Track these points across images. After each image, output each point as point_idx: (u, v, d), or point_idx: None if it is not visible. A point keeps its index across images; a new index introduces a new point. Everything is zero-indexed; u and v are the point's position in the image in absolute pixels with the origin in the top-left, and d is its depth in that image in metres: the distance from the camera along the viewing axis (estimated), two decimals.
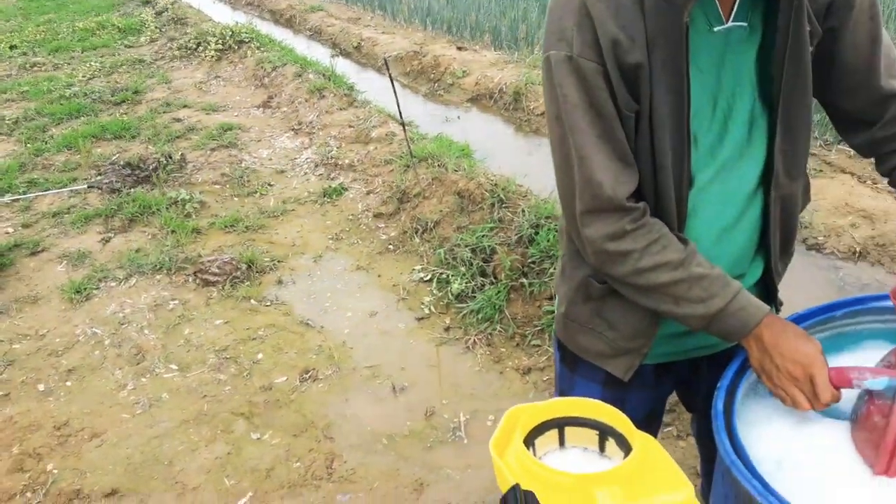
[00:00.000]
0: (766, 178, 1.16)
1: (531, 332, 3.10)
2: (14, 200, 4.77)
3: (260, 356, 3.16)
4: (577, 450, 1.01)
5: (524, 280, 3.26)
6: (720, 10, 1.05)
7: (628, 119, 1.06)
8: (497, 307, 3.24)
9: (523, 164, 4.53)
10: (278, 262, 3.93)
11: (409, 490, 2.39)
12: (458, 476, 2.43)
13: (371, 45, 7.91)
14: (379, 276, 3.77)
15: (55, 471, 2.58)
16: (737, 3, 1.05)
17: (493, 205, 3.73)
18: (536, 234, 3.37)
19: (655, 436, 1.48)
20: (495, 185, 3.87)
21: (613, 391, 1.31)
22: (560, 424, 1.00)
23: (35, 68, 8.16)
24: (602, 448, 1.00)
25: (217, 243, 4.14)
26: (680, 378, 1.40)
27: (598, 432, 0.99)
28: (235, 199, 4.73)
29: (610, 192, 1.06)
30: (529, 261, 3.31)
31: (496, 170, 4.30)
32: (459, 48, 7.27)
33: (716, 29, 1.06)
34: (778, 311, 1.38)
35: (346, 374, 3.03)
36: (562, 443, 1.01)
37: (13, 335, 3.41)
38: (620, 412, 0.94)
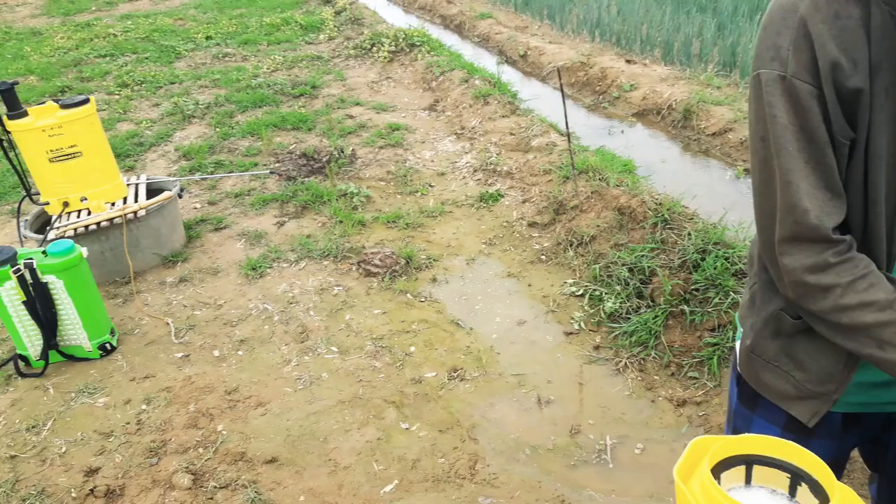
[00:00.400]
0: None
1: (689, 362, 2.99)
2: (203, 179, 5.25)
3: (412, 349, 3.27)
4: (765, 490, 0.98)
5: (685, 307, 3.14)
6: None
7: (842, 147, 1.01)
8: (653, 332, 3.16)
9: (691, 185, 4.37)
10: (434, 260, 4.05)
11: None
12: (601, 499, 2.40)
13: (537, 54, 7.93)
14: (529, 285, 3.78)
15: (224, 432, 2.82)
16: None
17: (655, 224, 3.64)
18: (703, 259, 3.25)
19: None
20: (660, 203, 3.76)
21: (794, 436, 1.24)
22: (749, 461, 0.98)
23: (226, 58, 8.91)
24: (792, 493, 0.96)
25: (379, 237, 4.33)
26: (870, 432, 1.31)
27: (789, 476, 0.96)
28: (398, 196, 4.92)
29: (815, 221, 1.01)
30: (692, 287, 3.20)
31: (660, 188, 4.18)
32: (628, 61, 7.12)
33: None
34: None
35: (492, 378, 3.07)
36: (748, 481, 0.99)
37: (195, 302, 3.76)
38: (819, 459, 0.90)
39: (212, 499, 2.48)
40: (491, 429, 2.77)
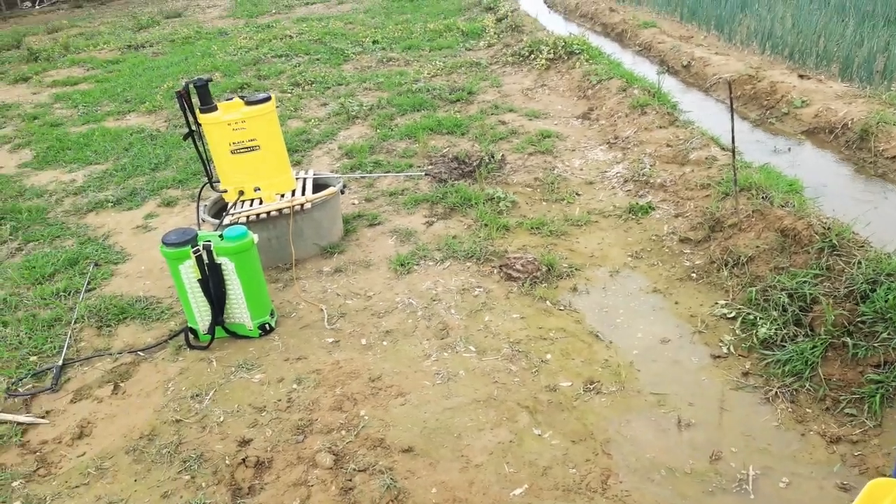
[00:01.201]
0: None
1: (847, 398, 2.77)
2: (362, 177, 5.54)
3: (549, 356, 3.28)
4: None
5: (848, 339, 2.92)
6: None
7: None
8: (809, 363, 2.96)
9: (864, 210, 4.03)
10: (576, 269, 4.02)
11: None
12: None
13: (702, 64, 7.63)
14: (676, 302, 3.66)
15: (366, 417, 2.97)
16: None
17: (821, 249, 3.40)
18: (873, 290, 2.99)
19: None
20: (828, 228, 3.50)
21: None
22: None
23: (390, 63, 9.33)
24: None
25: (522, 242, 4.37)
26: None
27: None
28: (544, 203, 4.93)
29: None
30: (858, 319, 2.96)
31: (829, 212, 3.89)
32: (801, 76, 6.68)
33: None
34: None
35: (630, 394, 3.01)
36: None
37: (348, 292, 3.98)
38: None
39: (350, 480, 2.63)
40: (626, 445, 2.72)
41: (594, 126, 6.47)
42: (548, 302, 3.74)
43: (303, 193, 4.36)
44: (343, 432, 2.89)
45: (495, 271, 4.07)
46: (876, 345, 2.86)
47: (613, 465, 2.62)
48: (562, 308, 3.70)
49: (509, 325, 3.56)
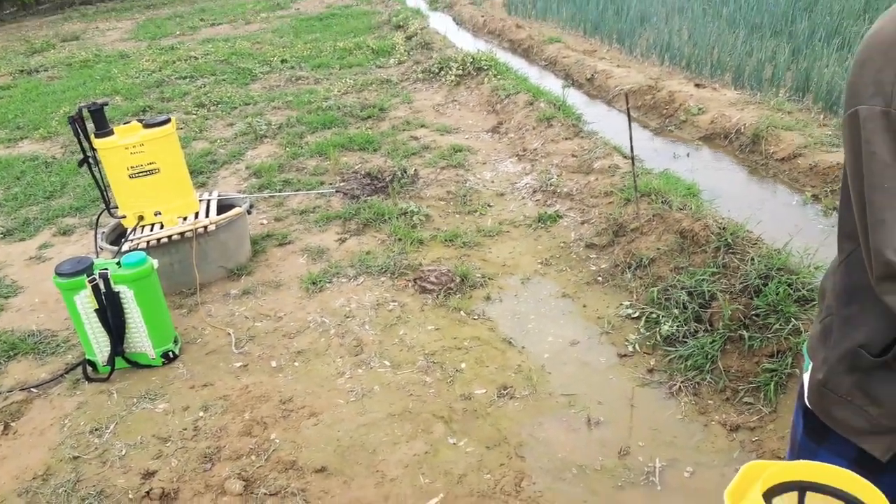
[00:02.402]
0: None
1: (745, 388, 2.90)
2: (271, 196, 5.44)
3: (463, 365, 3.29)
4: None
5: (744, 332, 3.06)
6: None
7: None
8: (709, 356, 3.08)
9: (756, 209, 4.26)
10: (489, 279, 4.07)
11: None
12: None
13: (604, 77, 7.90)
14: (584, 306, 3.75)
15: (277, 440, 2.90)
16: None
17: (718, 249, 3.56)
18: (765, 285, 3.15)
19: None
20: (723, 228, 3.68)
21: (863, 472, 1.21)
22: (802, 488, 0.96)
23: (299, 81, 9.25)
24: None
25: (436, 255, 4.38)
26: None
27: None
28: (457, 215, 4.98)
29: None
30: (753, 312, 3.11)
31: (725, 213, 4.09)
32: (697, 85, 7.02)
33: None
34: None
35: (542, 397, 3.05)
36: None
37: (257, 314, 3.89)
38: (877, 490, 0.88)
39: None
40: (538, 447, 2.76)
41: (504, 139, 6.59)
42: (462, 312, 3.77)
43: (206, 215, 4.24)
44: (253, 457, 2.80)
45: (410, 285, 4.07)
46: (769, 336, 3.00)
47: (526, 467, 2.64)
48: (476, 317, 3.72)
49: (424, 337, 3.55)
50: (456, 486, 2.57)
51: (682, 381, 3.04)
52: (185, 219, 4.18)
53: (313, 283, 4.11)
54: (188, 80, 9.76)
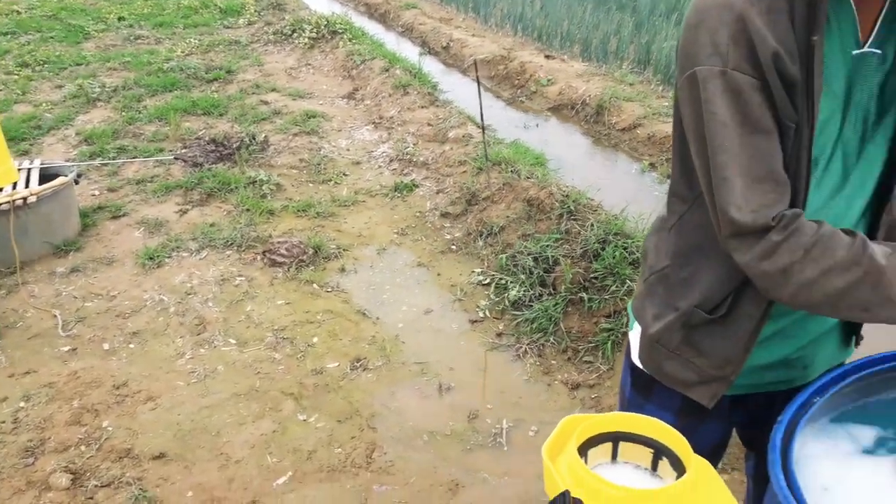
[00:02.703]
0: (875, 206, 1.13)
1: (584, 347, 3.04)
2: (104, 164, 5.02)
3: (315, 340, 3.22)
4: (629, 466, 0.99)
5: (584, 294, 3.20)
6: (859, 34, 1.02)
7: (788, 130, 1.00)
8: (553, 319, 3.20)
9: (597, 177, 4.46)
10: (343, 250, 3.99)
11: (444, 489, 2.39)
12: (494, 481, 2.41)
13: (460, 46, 7.94)
14: (439, 274, 3.78)
15: (110, 428, 2.69)
16: (876, 28, 1.02)
17: (561, 215, 3.69)
18: (603, 249, 3.31)
19: (716, 467, 1.44)
20: (566, 195, 3.82)
21: (687, 420, 1.29)
22: (615, 438, 0.99)
23: (139, 41, 8.56)
24: (654, 467, 0.98)
25: (288, 226, 4.24)
26: (751, 412, 1.36)
27: (652, 451, 0.97)
28: (310, 184, 4.83)
29: (749, 218, 1.00)
30: (592, 276, 3.26)
31: (569, 181, 4.25)
32: (547, 56, 7.22)
33: (853, 53, 1.02)
34: (857, 345, 1.33)
35: (395, 367, 3.05)
36: (614, 457, 1.00)
37: (86, 293, 3.58)
38: (678, 433, 0.92)
39: (91, 498, 2.37)
40: (390, 417, 2.75)
41: (360, 106, 6.47)
42: (315, 285, 3.67)
43: (27, 186, 3.83)
44: (82, 448, 2.59)
45: (259, 258, 3.90)
46: (606, 297, 3.16)
47: (378, 438, 2.63)
48: (329, 290, 3.64)
49: (273, 312, 3.43)
50: (305, 462, 2.51)
51: (527, 344, 3.14)
52: (0, 189, 3.75)
53: (150, 259, 3.84)
54: (9, 36, 8.75)
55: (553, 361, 3.03)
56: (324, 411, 2.78)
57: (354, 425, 2.71)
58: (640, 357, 1.32)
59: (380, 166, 5.18)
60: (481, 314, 3.39)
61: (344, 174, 5.01)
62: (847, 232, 0.99)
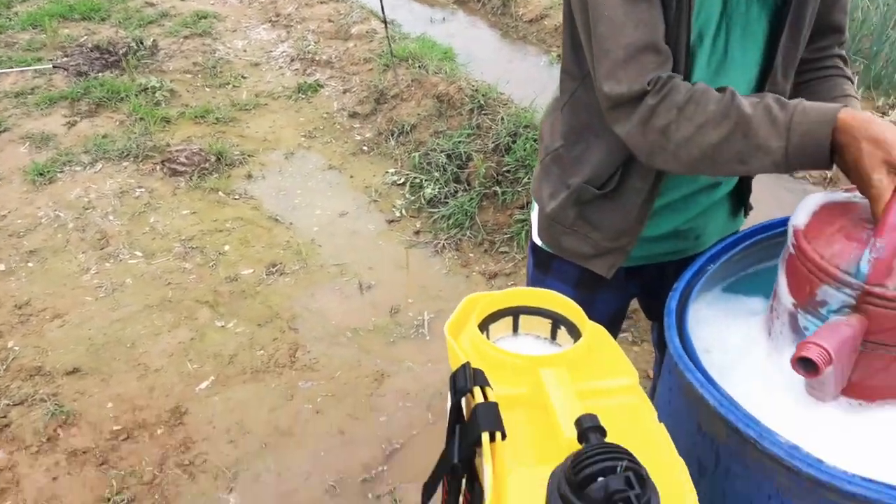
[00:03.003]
0: (761, 78, 1.14)
1: (500, 239, 3.11)
2: None
3: (226, 248, 3.14)
4: (530, 337, 1.02)
5: (497, 188, 3.23)
6: None
7: (670, 1, 0.99)
8: (468, 214, 3.23)
9: (506, 71, 4.42)
10: (248, 156, 3.85)
11: (370, 380, 2.44)
12: (418, 369, 2.48)
13: None
14: (351, 176, 3.72)
15: (16, 347, 2.58)
16: None
17: (472, 110, 3.66)
18: (514, 142, 3.33)
19: (615, 337, 1.51)
20: (476, 90, 3.78)
21: (585, 292, 1.32)
22: (515, 312, 1.01)
23: None
24: (553, 336, 1.01)
25: (186, 133, 4.03)
26: (646, 283, 1.42)
27: (550, 321, 1.00)
28: (207, 89, 4.58)
29: (625, 89, 0.99)
30: (504, 169, 3.28)
31: (478, 75, 4.19)
32: None
33: None
34: (746, 215, 1.39)
35: (313, 270, 3.03)
36: (515, 330, 1.03)
37: None
38: (573, 302, 0.95)
39: (5, 417, 2.29)
40: (311, 318, 2.75)
41: (254, 4, 6.08)
42: (220, 193, 3.54)
43: None
44: None
45: (158, 168, 3.71)
46: (519, 189, 3.21)
47: (300, 338, 2.64)
48: (237, 197, 3.53)
49: (179, 222, 3.30)
50: (227, 367, 2.50)
51: (445, 240, 3.17)
52: None
53: (41, 175, 3.58)
54: None
55: (471, 254, 3.09)
56: (242, 317, 2.75)
57: (275, 328, 2.70)
58: (540, 235, 1.36)
59: (280, 67, 4.95)
60: (398, 214, 3.38)
61: (242, 77, 4.76)
62: (719, 89, 0.98)
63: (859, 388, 0.91)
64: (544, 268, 1.39)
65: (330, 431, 2.24)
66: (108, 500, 1.99)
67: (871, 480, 0.74)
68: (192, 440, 2.22)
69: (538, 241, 1.37)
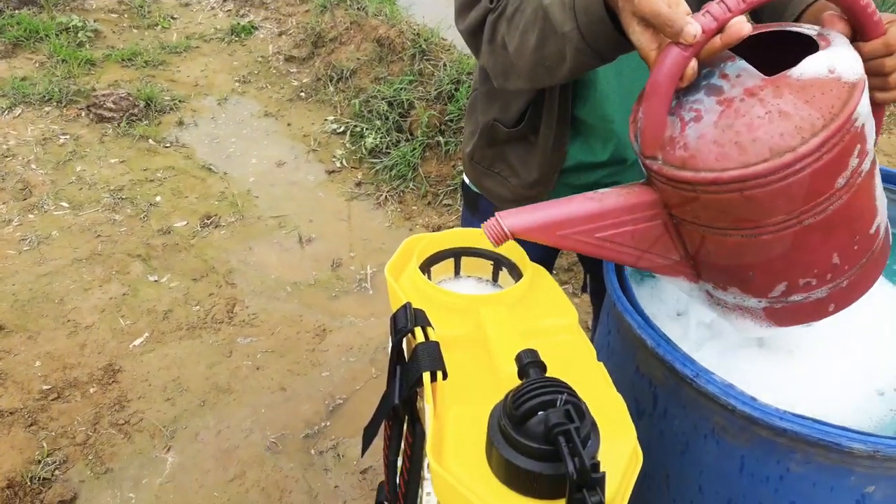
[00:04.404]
0: None
1: (444, 191, 3.07)
2: None
3: (158, 199, 3.02)
4: (472, 279, 1.01)
5: (440, 138, 3.19)
6: None
7: None
8: (411, 165, 3.18)
9: (448, 15, 4.31)
10: (179, 101, 3.69)
11: (311, 335, 2.41)
12: (361, 323, 2.46)
13: None
14: (289, 124, 3.61)
15: None
16: None
17: (413, 56, 3.57)
18: (457, 90, 3.27)
19: None
20: (417, 34, 3.68)
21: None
22: (457, 254, 1.00)
23: None
24: (495, 279, 1.00)
25: (113, 77, 3.82)
26: None
27: (492, 263, 0.99)
28: (135, 30, 4.34)
29: (477, 13, 0.98)
30: (447, 118, 3.23)
31: (420, 19, 4.08)
32: None
33: None
34: None
35: (250, 222, 2.94)
36: (457, 272, 1.01)
37: None
38: (517, 244, 0.94)
39: None
40: (249, 272, 2.68)
41: None
42: (150, 140, 3.39)
43: None
44: None
45: (83, 113, 3.52)
46: (462, 139, 3.17)
47: (238, 293, 2.57)
48: (168, 145, 3.39)
49: (108, 171, 3.15)
50: (161, 322, 2.42)
51: (387, 191, 3.12)
52: None
53: None
54: None
55: (414, 207, 3.05)
56: (176, 271, 2.66)
57: (211, 282, 2.62)
58: (466, 174, 1.36)
59: (212, 7, 4.73)
60: (338, 164, 3.31)
61: (172, 17, 4.53)
62: None
63: (708, 269, 0.83)
64: (472, 207, 1.39)
65: (271, 387, 2.20)
66: (39, 462, 1.92)
67: (802, 417, 0.75)
68: (127, 399, 2.15)
69: (466, 180, 1.37)
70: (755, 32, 0.73)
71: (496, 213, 0.77)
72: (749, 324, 0.87)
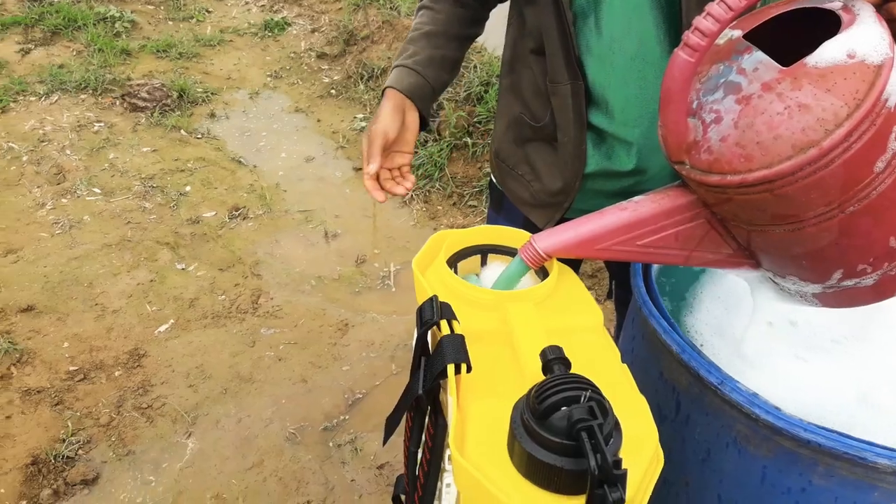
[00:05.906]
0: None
1: (469, 192, 3.08)
2: None
3: (188, 188, 3.06)
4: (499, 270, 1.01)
5: (468, 139, 3.20)
6: None
7: None
8: (438, 165, 3.19)
9: None
10: (212, 94, 3.74)
11: (333, 329, 2.43)
12: (382, 319, 2.47)
13: None
14: (318, 120, 3.64)
15: None
16: None
17: None
18: (486, 92, 3.28)
19: None
20: None
21: None
22: (483, 251, 1.00)
23: None
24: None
25: (147, 68, 3.88)
26: None
27: None
28: (170, 22, 4.41)
29: None
30: (475, 120, 3.24)
31: None
32: None
33: None
34: None
35: (277, 215, 2.97)
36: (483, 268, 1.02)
37: None
38: None
39: None
40: (275, 264, 2.71)
41: None
42: (182, 131, 3.44)
43: None
44: None
45: (117, 102, 3.58)
46: (489, 141, 3.17)
47: (263, 284, 2.60)
48: (199, 136, 3.43)
49: (140, 160, 3.20)
50: (187, 310, 2.46)
51: (414, 191, 3.13)
52: None
53: None
54: None
55: (439, 207, 3.06)
56: (203, 260, 2.70)
57: (237, 273, 2.65)
58: (493, 172, 1.36)
59: (247, 2, 4.78)
60: None
61: (207, 11, 4.60)
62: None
63: (763, 259, 0.81)
64: (497, 206, 1.38)
65: (292, 379, 2.22)
66: (63, 440, 1.96)
67: (826, 429, 0.75)
68: (151, 383, 2.18)
69: (493, 178, 1.37)
70: (778, 13, 0.71)
71: (531, 237, 0.80)
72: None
